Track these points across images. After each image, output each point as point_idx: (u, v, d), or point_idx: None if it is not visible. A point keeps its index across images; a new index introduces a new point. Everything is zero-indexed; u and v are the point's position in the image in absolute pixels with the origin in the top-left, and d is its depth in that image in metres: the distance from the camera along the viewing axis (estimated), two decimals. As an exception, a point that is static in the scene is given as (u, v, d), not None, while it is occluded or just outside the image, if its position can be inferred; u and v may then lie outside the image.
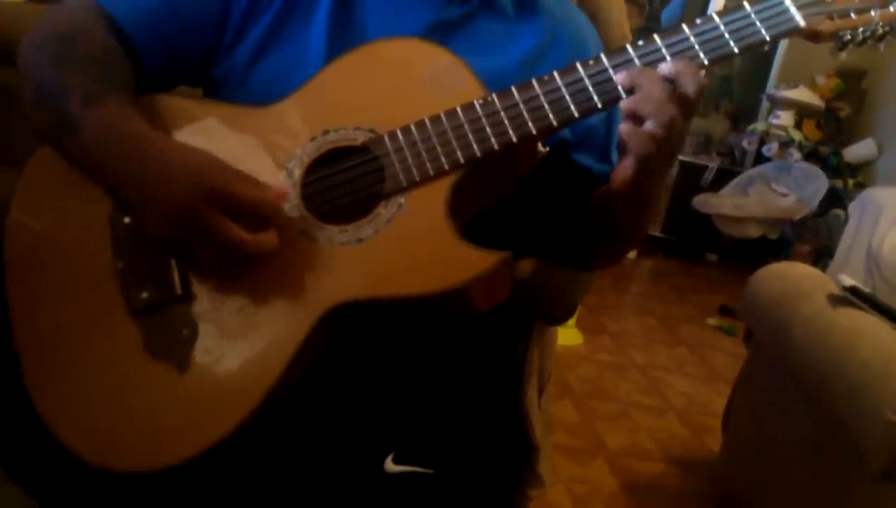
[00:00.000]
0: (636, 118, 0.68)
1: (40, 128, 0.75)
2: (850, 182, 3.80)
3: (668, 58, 0.72)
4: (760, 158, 4.12)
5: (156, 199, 0.69)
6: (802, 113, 3.95)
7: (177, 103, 0.77)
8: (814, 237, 3.69)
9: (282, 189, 0.71)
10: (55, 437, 0.69)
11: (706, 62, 0.72)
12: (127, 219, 0.73)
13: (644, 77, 0.69)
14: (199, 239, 0.68)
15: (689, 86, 0.68)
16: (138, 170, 0.70)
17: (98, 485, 0.70)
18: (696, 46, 0.72)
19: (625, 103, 0.69)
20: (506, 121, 0.73)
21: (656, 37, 0.73)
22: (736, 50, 0.72)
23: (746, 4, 0.73)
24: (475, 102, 0.73)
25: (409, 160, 0.73)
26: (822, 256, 3.56)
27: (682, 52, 0.72)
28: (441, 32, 0.82)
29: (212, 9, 0.81)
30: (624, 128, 0.68)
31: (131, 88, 0.76)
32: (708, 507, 1.90)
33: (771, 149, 3.98)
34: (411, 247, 0.72)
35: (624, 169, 0.70)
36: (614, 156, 0.90)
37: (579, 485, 1.86)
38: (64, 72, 0.73)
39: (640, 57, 0.72)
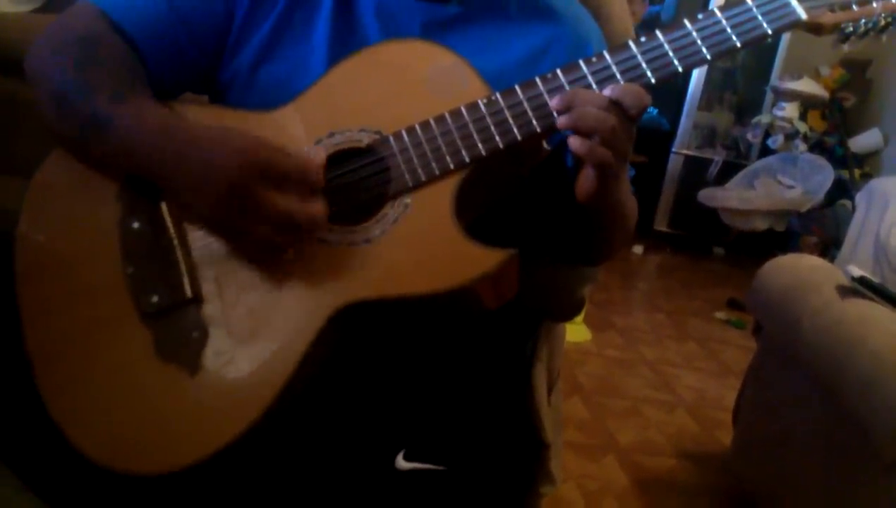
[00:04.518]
0: (581, 133, 0.70)
1: (63, 131, 0.75)
2: (857, 172, 3.79)
3: (670, 53, 0.72)
4: (766, 151, 4.12)
5: (204, 183, 0.69)
6: (807, 104, 3.94)
7: (182, 109, 0.78)
8: (821, 228, 3.68)
9: (320, 155, 0.72)
10: (68, 442, 0.70)
11: (709, 57, 0.73)
12: (136, 225, 0.74)
13: (581, 96, 0.71)
14: (252, 215, 0.69)
15: (632, 103, 0.71)
16: (181, 157, 0.71)
17: (110, 488, 0.71)
18: (699, 41, 0.73)
19: (563, 120, 0.71)
20: (510, 120, 0.73)
21: (658, 33, 0.73)
22: (738, 44, 0.73)
23: (748, -2, 0.73)
24: (479, 102, 0.74)
25: (415, 160, 0.73)
26: (829, 247, 3.55)
27: (683, 47, 0.73)
28: (439, 31, 0.83)
29: (216, 14, 0.82)
30: (576, 142, 0.70)
31: (150, 91, 0.77)
32: (720, 501, 1.89)
33: (776, 141, 3.97)
34: (418, 247, 0.72)
35: (586, 180, 0.72)
36: None
37: (591, 482, 1.86)
38: (88, 74, 0.74)
39: (642, 53, 0.73)
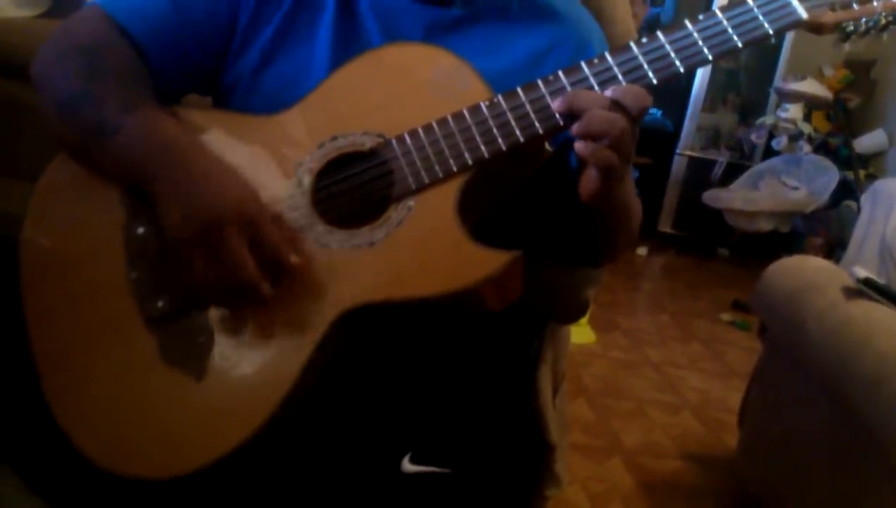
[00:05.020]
0: (589, 136, 0.70)
1: (65, 136, 0.76)
2: (862, 173, 3.78)
3: (672, 53, 0.72)
4: (770, 152, 4.11)
5: (190, 203, 0.70)
6: (811, 105, 3.93)
7: (186, 114, 0.78)
8: (826, 229, 3.67)
9: (303, 262, 0.72)
10: (74, 446, 0.70)
11: (710, 57, 0.73)
12: (140, 230, 0.74)
13: (583, 97, 0.71)
14: (211, 254, 0.69)
15: (633, 104, 0.70)
16: (182, 174, 0.71)
17: (113, 490, 0.71)
18: (700, 42, 0.73)
19: (576, 128, 0.70)
20: (512, 122, 0.73)
21: (660, 34, 0.73)
22: (740, 44, 0.73)
23: (749, -1, 0.73)
24: (481, 104, 0.74)
25: (418, 163, 0.73)
26: (834, 248, 3.54)
27: (685, 48, 0.73)
28: (441, 34, 0.83)
29: (219, 16, 0.82)
30: (581, 145, 0.70)
31: (156, 98, 0.77)
32: (726, 503, 1.89)
33: (780, 142, 3.96)
34: (422, 249, 0.72)
35: (590, 182, 0.72)
36: None
37: (596, 484, 1.86)
38: (96, 81, 0.75)
39: (643, 54, 0.73)
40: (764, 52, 4.04)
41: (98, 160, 0.75)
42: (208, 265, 0.69)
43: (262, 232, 0.69)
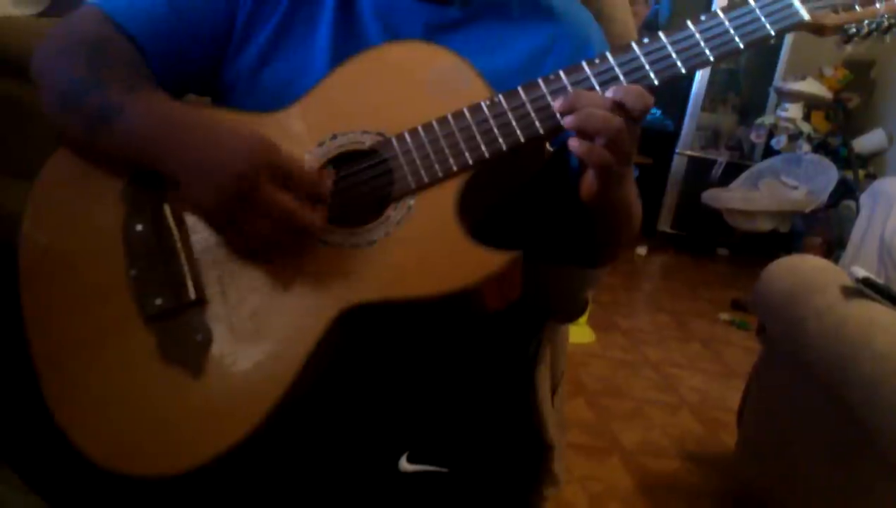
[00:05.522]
0: (585, 134, 0.70)
1: (70, 126, 0.76)
2: (861, 173, 3.78)
3: (673, 54, 0.72)
4: (769, 151, 4.11)
5: (212, 169, 0.70)
6: (811, 105, 3.93)
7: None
8: (825, 229, 3.67)
9: (331, 176, 0.73)
10: (73, 445, 0.70)
11: (711, 59, 0.73)
12: (140, 227, 0.74)
13: (585, 98, 0.71)
14: (254, 208, 0.69)
15: (634, 104, 0.70)
16: (192, 145, 0.71)
17: (112, 489, 0.71)
18: (702, 43, 0.73)
19: (570, 120, 0.70)
20: (513, 122, 0.73)
21: (661, 34, 0.73)
22: (741, 46, 0.73)
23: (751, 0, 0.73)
24: (482, 103, 0.74)
25: (418, 162, 0.73)
26: (833, 248, 3.54)
27: (687, 49, 0.73)
28: (441, 33, 0.83)
29: (218, 15, 0.82)
30: (575, 144, 0.70)
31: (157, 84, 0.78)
32: (724, 503, 1.89)
33: (780, 141, 3.96)
34: (422, 249, 0.72)
35: (588, 182, 0.72)
36: None
37: (594, 484, 1.86)
38: (99, 70, 0.75)
39: (644, 54, 0.73)
40: (764, 51, 4.04)
41: (103, 146, 0.75)
42: (257, 218, 0.69)
43: (289, 169, 0.69)
